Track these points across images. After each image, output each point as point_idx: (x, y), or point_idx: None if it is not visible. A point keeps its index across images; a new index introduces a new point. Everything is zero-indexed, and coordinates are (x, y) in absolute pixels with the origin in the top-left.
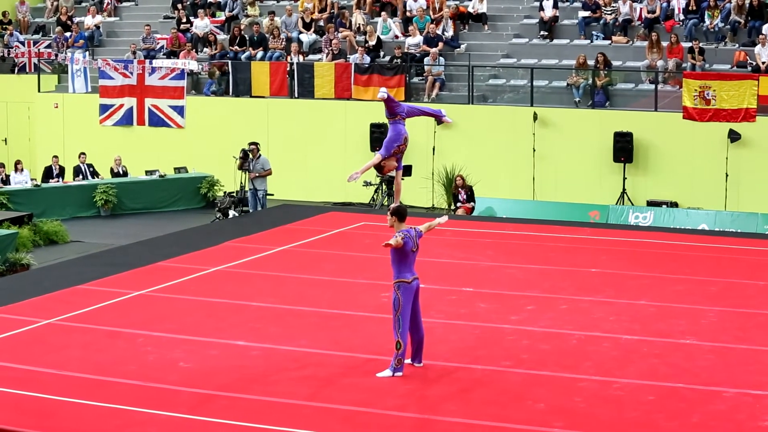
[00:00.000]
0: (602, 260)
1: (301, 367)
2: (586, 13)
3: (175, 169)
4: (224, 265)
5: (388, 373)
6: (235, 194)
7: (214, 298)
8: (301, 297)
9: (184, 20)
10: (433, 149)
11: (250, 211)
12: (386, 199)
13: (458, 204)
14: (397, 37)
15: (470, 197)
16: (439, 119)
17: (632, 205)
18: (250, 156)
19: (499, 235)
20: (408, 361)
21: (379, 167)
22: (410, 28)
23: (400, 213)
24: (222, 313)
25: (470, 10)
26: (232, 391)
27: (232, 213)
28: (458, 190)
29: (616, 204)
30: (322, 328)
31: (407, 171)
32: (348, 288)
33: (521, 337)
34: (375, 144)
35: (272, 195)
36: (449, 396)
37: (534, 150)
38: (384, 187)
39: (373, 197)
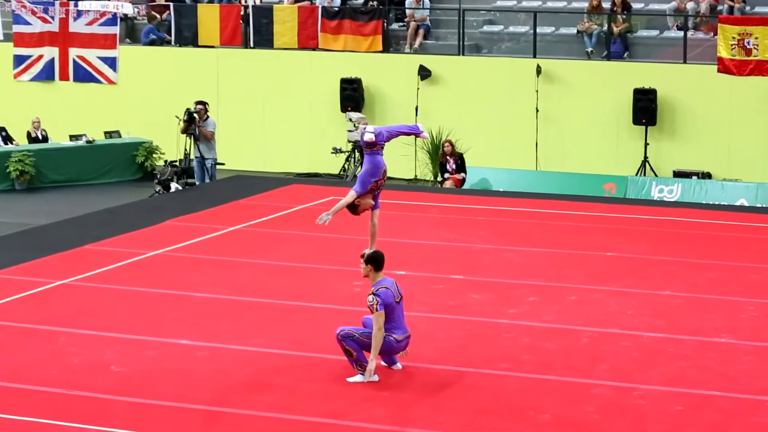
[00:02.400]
0: (619, 242)
1: (256, 371)
2: None
3: (105, 133)
4: (165, 248)
5: (360, 378)
6: (178, 163)
7: (152, 288)
8: (256, 287)
9: None
10: (416, 109)
11: (197, 183)
12: (359, 168)
13: (446, 175)
14: None
15: (460, 167)
16: (416, 136)
17: (656, 176)
18: (197, 118)
19: (495, 212)
20: (383, 363)
21: (353, 206)
22: None
23: (377, 261)
24: (162, 306)
25: None
26: (172, 400)
27: (174, 186)
28: (446, 159)
29: (636, 175)
30: (282, 323)
31: None
32: (313, 276)
33: (521, 335)
34: (345, 102)
35: (223, 164)
36: (434, 405)
37: (537, 110)
38: (357, 155)
39: (343, 167)
